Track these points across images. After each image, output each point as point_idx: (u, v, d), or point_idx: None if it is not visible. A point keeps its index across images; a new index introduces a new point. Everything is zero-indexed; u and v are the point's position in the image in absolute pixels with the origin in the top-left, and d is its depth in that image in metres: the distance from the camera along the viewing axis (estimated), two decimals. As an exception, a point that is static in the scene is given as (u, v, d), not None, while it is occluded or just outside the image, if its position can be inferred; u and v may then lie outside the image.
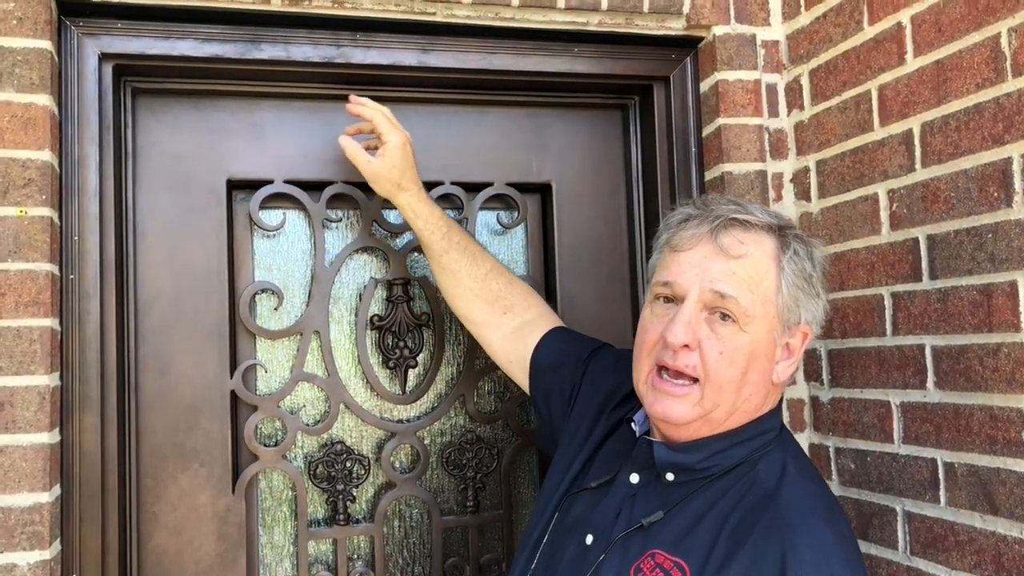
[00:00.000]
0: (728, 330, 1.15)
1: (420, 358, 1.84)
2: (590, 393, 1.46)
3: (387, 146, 1.56)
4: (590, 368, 1.49)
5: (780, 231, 1.20)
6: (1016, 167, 1.27)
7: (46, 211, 1.44)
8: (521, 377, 1.59)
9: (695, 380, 1.16)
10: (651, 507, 1.17)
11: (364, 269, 1.84)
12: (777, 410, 1.24)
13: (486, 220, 1.90)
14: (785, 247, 1.19)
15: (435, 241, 1.60)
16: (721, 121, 1.76)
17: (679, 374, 1.16)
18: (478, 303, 1.61)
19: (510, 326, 1.60)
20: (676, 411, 1.16)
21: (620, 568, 1.14)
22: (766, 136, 1.78)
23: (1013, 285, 1.28)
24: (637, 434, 1.27)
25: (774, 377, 1.19)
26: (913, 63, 1.47)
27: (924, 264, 1.45)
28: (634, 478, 1.23)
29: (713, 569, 1.07)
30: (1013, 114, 1.28)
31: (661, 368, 1.18)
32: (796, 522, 1.08)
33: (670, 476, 1.19)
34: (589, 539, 1.20)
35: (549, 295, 1.90)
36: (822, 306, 1.23)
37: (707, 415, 1.16)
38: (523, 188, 1.88)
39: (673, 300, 1.19)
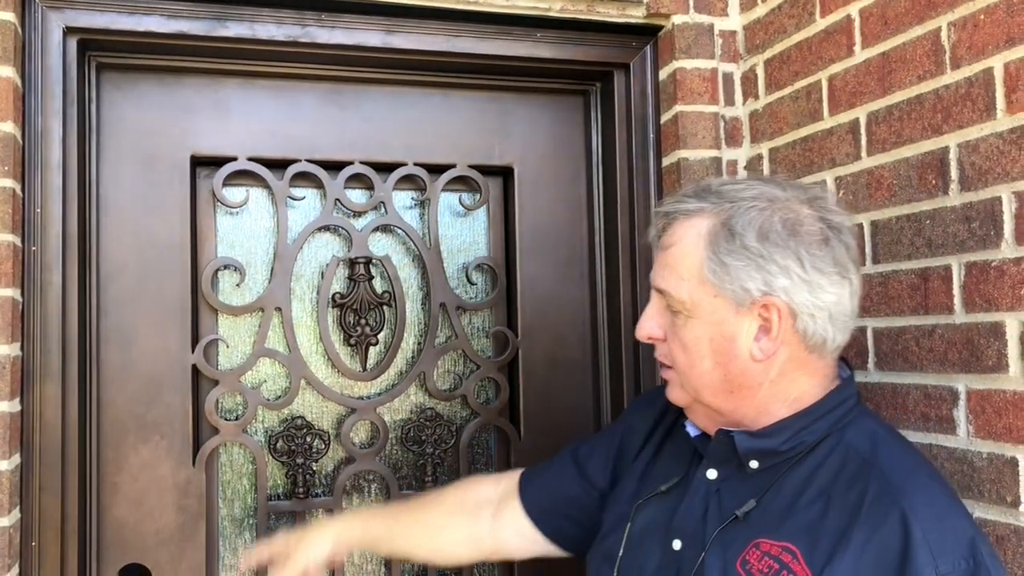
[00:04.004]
0: (679, 320, 1.16)
1: (381, 336, 1.87)
2: (631, 441, 1.41)
3: None
4: (622, 440, 1.43)
5: (727, 209, 1.13)
6: (952, 156, 1.33)
7: (8, 182, 1.45)
8: (541, 543, 1.44)
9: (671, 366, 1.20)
10: (740, 498, 1.14)
11: (326, 247, 1.87)
12: (851, 380, 1.19)
13: (448, 202, 1.93)
14: (724, 223, 1.12)
15: (383, 542, 1.51)
16: (678, 108, 1.81)
17: (663, 364, 1.22)
18: (451, 530, 1.47)
19: (493, 512, 1.47)
20: (672, 395, 1.22)
21: (725, 565, 1.09)
22: (722, 124, 1.83)
23: (948, 269, 1.34)
24: (692, 435, 1.25)
25: (755, 355, 1.12)
26: (861, 55, 1.52)
27: (868, 249, 1.51)
28: (711, 474, 1.19)
29: (828, 547, 1.02)
30: (951, 105, 1.33)
31: None
32: (906, 484, 1.04)
33: (754, 464, 1.15)
34: (677, 544, 1.17)
35: (509, 277, 1.94)
36: (793, 274, 1.10)
37: (698, 399, 1.18)
38: (485, 171, 1.92)
39: None
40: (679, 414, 1.32)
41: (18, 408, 1.49)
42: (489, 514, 1.46)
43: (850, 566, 1.00)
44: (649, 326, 1.21)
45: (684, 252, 1.15)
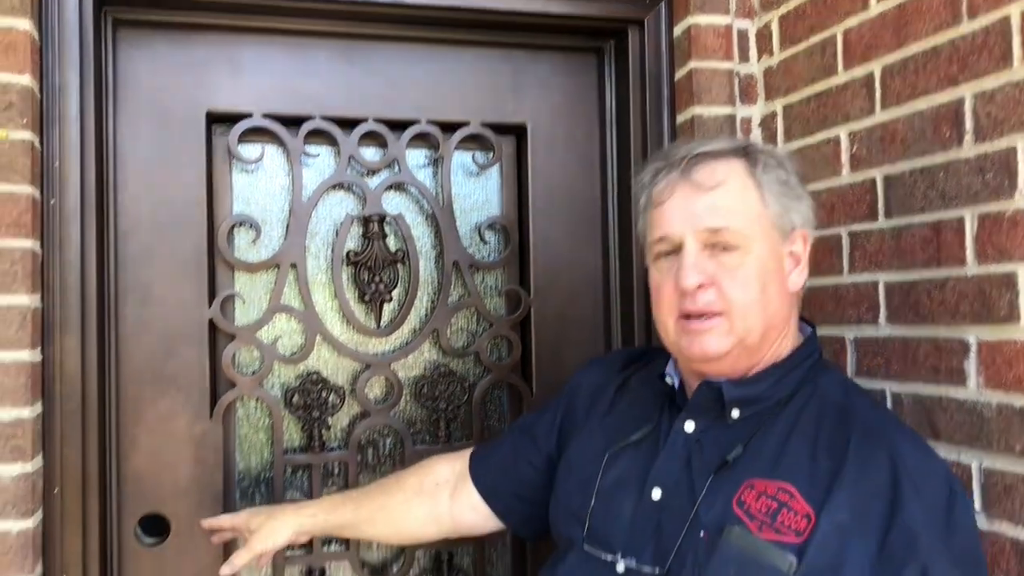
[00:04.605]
0: (734, 258, 1.17)
1: (395, 293, 1.89)
2: (578, 400, 1.47)
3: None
4: (570, 404, 1.50)
5: (745, 151, 1.23)
6: (967, 107, 1.32)
7: (27, 135, 1.47)
8: (496, 519, 1.52)
9: (719, 313, 1.17)
10: (722, 446, 1.17)
11: (341, 205, 1.88)
12: (814, 333, 1.29)
13: (462, 160, 1.93)
14: (755, 163, 1.21)
15: (348, 528, 1.59)
16: (693, 65, 1.80)
17: (702, 314, 1.18)
18: (413, 513, 1.55)
19: (450, 492, 1.55)
20: (713, 344, 1.17)
21: (723, 507, 1.12)
22: (736, 81, 1.82)
23: (960, 221, 1.34)
24: (675, 386, 1.28)
25: (790, 286, 1.23)
26: (876, 7, 1.50)
27: (880, 203, 1.50)
28: (689, 426, 1.22)
29: (824, 485, 1.08)
30: (967, 55, 1.32)
31: (686, 316, 1.19)
32: (886, 426, 1.15)
33: (735, 413, 1.19)
34: (656, 493, 1.19)
35: (522, 235, 1.94)
36: (808, 205, 1.26)
37: (743, 341, 1.18)
38: (498, 129, 1.92)
39: (674, 252, 1.21)
40: (630, 372, 1.42)
41: (39, 358, 1.52)
42: (447, 494, 1.54)
43: (848, 499, 1.07)
44: (698, 273, 1.17)
45: (739, 188, 1.19)
